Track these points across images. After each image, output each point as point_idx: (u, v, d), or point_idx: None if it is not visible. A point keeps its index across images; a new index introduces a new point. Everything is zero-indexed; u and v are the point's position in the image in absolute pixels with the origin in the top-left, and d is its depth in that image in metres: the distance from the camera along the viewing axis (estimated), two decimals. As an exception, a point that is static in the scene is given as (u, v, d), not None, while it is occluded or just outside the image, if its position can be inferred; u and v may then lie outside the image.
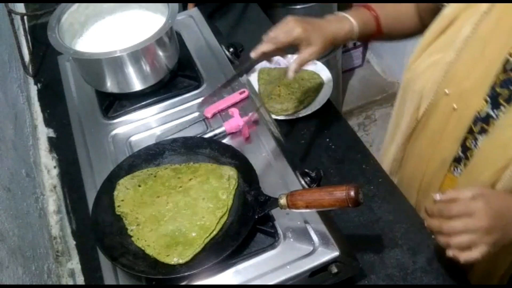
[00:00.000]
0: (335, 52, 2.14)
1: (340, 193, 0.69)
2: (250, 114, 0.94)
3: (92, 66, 0.99)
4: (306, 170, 0.87)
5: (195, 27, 1.19)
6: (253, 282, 0.74)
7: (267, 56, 0.94)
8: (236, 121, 0.93)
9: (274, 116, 1.13)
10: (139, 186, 0.84)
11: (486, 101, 0.80)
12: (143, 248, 0.76)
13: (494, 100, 0.79)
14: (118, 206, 0.82)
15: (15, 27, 1.33)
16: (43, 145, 1.21)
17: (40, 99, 1.32)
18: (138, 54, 0.96)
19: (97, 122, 1.02)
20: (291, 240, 0.78)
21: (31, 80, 1.35)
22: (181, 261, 0.74)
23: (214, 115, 0.99)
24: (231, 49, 1.11)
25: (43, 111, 1.28)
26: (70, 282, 0.99)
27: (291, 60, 1.14)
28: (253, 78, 1.23)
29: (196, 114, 1.00)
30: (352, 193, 0.68)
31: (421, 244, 0.91)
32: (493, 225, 0.73)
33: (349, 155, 1.09)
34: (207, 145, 0.90)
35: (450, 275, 0.87)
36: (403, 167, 1.01)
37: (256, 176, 0.83)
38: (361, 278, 0.88)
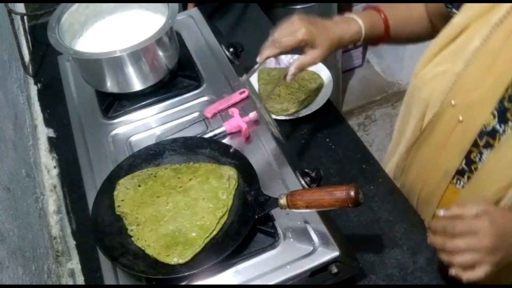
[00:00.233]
0: (335, 52, 2.14)
1: (340, 193, 0.69)
2: (251, 114, 0.93)
3: (92, 66, 0.99)
4: (306, 170, 0.87)
5: (195, 27, 1.19)
6: (253, 282, 0.74)
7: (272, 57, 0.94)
8: (236, 121, 0.93)
9: (274, 116, 1.13)
10: (139, 186, 0.84)
11: (494, 115, 0.78)
12: (143, 248, 0.76)
13: (502, 115, 0.77)
14: (118, 206, 0.82)
15: (15, 27, 1.33)
16: (43, 145, 1.21)
17: (40, 99, 1.31)
18: (138, 54, 0.96)
19: (97, 122, 1.02)
20: (291, 240, 0.78)
21: (31, 80, 1.35)
22: (181, 261, 0.74)
23: (214, 115, 0.98)
24: (231, 49, 1.11)
25: (43, 111, 1.28)
26: (70, 282, 0.99)
27: (291, 60, 1.14)
28: (253, 78, 1.23)
29: (196, 114, 1.00)
30: (352, 193, 0.68)
31: (421, 244, 0.91)
32: (497, 245, 0.73)
33: (349, 155, 1.09)
34: (207, 145, 0.90)
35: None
36: (406, 174, 1.01)
37: (256, 176, 0.83)
38: (361, 278, 0.88)
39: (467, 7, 0.80)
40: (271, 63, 1.25)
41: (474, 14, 0.79)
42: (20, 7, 1.49)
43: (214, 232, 0.77)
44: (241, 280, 0.75)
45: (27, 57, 1.37)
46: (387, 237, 0.94)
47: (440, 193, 0.91)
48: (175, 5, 1.01)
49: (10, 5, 1.33)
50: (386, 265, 0.90)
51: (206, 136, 0.94)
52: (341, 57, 2.27)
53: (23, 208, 0.94)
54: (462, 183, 0.88)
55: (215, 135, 0.94)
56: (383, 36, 0.96)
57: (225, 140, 0.94)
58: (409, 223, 0.95)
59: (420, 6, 0.97)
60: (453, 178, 0.88)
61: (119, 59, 0.96)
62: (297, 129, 1.15)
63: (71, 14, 1.04)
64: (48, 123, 1.25)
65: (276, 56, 0.91)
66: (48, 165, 1.17)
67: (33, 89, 1.34)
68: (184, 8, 1.32)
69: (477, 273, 0.73)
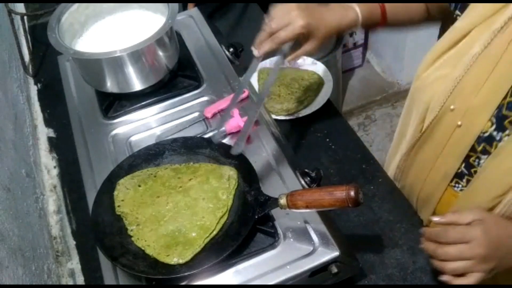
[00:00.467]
0: (335, 52, 2.14)
1: (340, 193, 0.69)
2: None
3: (92, 66, 0.99)
4: (306, 170, 0.87)
5: (195, 27, 1.19)
6: (253, 282, 0.74)
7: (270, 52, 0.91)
8: (236, 121, 0.93)
9: (274, 116, 1.13)
10: (139, 186, 0.84)
11: (492, 122, 0.78)
12: (143, 248, 0.76)
13: (500, 122, 0.77)
14: (118, 206, 0.82)
15: (15, 27, 1.33)
16: (43, 145, 1.21)
17: (40, 99, 1.31)
18: (138, 54, 0.96)
19: (97, 122, 1.02)
20: (291, 240, 0.78)
21: (31, 80, 1.35)
22: (181, 261, 0.74)
23: (214, 115, 0.99)
24: (231, 49, 1.11)
25: (43, 111, 1.28)
26: (70, 282, 0.99)
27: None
28: (253, 78, 1.23)
29: (196, 114, 1.00)
30: (352, 193, 0.68)
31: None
32: (490, 253, 0.73)
33: (349, 155, 1.09)
34: (207, 145, 0.90)
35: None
36: (406, 175, 1.01)
37: (256, 176, 0.83)
38: (361, 278, 0.88)
39: (470, 12, 0.80)
40: (271, 62, 1.25)
41: (476, 19, 0.79)
42: (20, 7, 1.49)
43: (214, 232, 0.77)
44: (241, 280, 0.75)
45: (27, 57, 1.37)
46: (387, 237, 0.94)
47: (439, 195, 0.91)
48: (175, 5, 1.01)
49: (10, 5, 1.33)
50: (386, 265, 0.90)
51: (206, 136, 0.94)
52: (341, 57, 2.27)
53: (23, 208, 0.94)
54: (460, 186, 0.88)
55: (215, 135, 0.94)
56: (380, 22, 0.94)
57: (225, 140, 0.94)
58: (409, 223, 0.95)
59: None
60: (451, 181, 0.89)
61: (119, 59, 0.96)
62: (297, 129, 1.15)
63: (71, 14, 1.04)
64: (48, 123, 1.25)
65: (273, 50, 0.88)
66: (48, 165, 1.17)
67: (33, 89, 1.34)
68: (184, 8, 1.32)
69: (468, 281, 0.74)
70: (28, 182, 1.03)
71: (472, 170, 0.84)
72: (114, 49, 0.95)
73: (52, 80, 1.31)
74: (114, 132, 1.00)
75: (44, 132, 1.23)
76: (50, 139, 1.22)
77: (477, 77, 0.78)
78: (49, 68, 1.35)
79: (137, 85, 1.01)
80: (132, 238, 0.78)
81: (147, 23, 1.06)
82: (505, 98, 0.76)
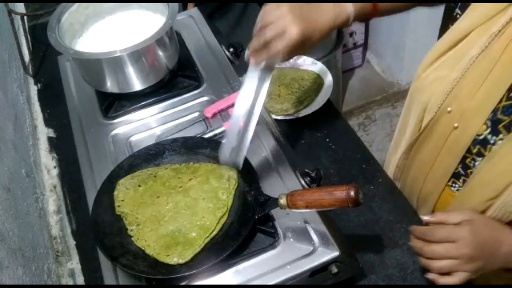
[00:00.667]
0: (335, 52, 2.14)
1: (340, 193, 0.69)
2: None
3: (92, 66, 0.99)
4: (306, 170, 0.87)
5: (195, 27, 1.19)
6: (253, 282, 0.74)
7: None
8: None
9: (274, 116, 1.13)
10: (139, 186, 0.84)
11: (487, 125, 0.79)
12: (143, 248, 0.76)
13: (494, 126, 0.78)
14: (118, 206, 0.82)
15: (15, 27, 1.33)
16: (43, 145, 1.21)
17: (40, 99, 1.31)
18: (138, 54, 0.96)
19: (97, 122, 1.02)
20: (291, 240, 0.78)
21: (31, 80, 1.35)
22: (181, 261, 0.74)
23: (214, 115, 0.99)
24: (231, 49, 1.11)
25: (43, 111, 1.28)
26: (70, 282, 0.99)
27: (291, 60, 1.13)
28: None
29: (196, 114, 1.00)
30: (352, 193, 0.68)
31: (421, 244, 0.91)
32: (476, 254, 0.74)
33: (349, 155, 1.09)
34: (207, 145, 0.90)
35: (450, 275, 0.87)
36: (405, 174, 1.01)
37: (256, 176, 0.83)
38: (361, 278, 0.88)
39: (470, 13, 0.80)
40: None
41: (475, 21, 0.79)
42: (20, 7, 1.49)
43: (214, 232, 0.77)
44: (241, 280, 0.75)
45: (27, 57, 1.37)
46: (387, 237, 0.94)
47: (437, 195, 0.92)
48: (175, 5, 1.01)
49: (10, 5, 1.33)
50: (386, 265, 0.90)
51: (206, 136, 0.94)
52: (341, 57, 2.28)
53: (23, 208, 0.94)
54: (457, 186, 0.88)
55: (215, 135, 0.94)
56: (371, 13, 0.88)
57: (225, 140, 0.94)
58: (409, 223, 0.95)
59: None
60: (449, 180, 0.89)
61: (119, 59, 0.96)
62: (297, 129, 1.14)
63: (71, 14, 1.04)
64: (48, 123, 1.25)
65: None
66: (48, 165, 1.17)
67: (33, 89, 1.34)
68: (184, 8, 1.32)
69: (453, 280, 0.75)
70: (28, 182, 1.03)
71: (468, 171, 0.85)
72: (114, 49, 0.95)
73: (52, 80, 1.31)
74: (114, 132, 1.00)
75: (44, 132, 1.23)
76: (50, 139, 1.22)
77: (474, 80, 0.78)
78: (49, 68, 1.35)
79: (137, 85, 1.01)
80: (132, 238, 0.78)
81: (147, 23, 1.06)
82: (500, 102, 0.76)
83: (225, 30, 1.40)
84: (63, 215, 1.07)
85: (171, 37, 1.03)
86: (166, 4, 1.02)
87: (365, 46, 2.62)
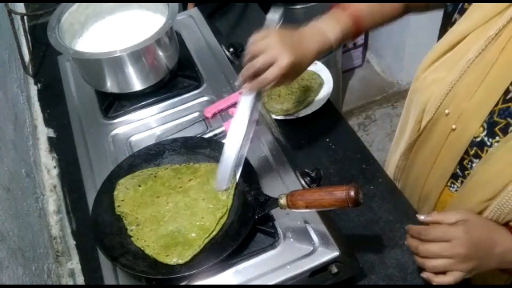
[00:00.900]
0: (335, 52, 2.14)
1: (340, 193, 0.69)
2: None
3: (92, 66, 0.99)
4: (306, 170, 0.87)
5: (195, 27, 1.19)
6: (253, 282, 0.74)
7: None
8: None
9: (274, 116, 1.13)
10: (139, 186, 0.84)
11: (483, 128, 0.79)
12: (142, 248, 0.76)
13: (491, 128, 0.78)
14: (118, 206, 0.82)
15: (15, 27, 1.33)
16: (43, 145, 1.21)
17: (40, 99, 1.31)
18: (138, 54, 0.96)
19: (97, 122, 1.02)
20: (291, 240, 0.78)
21: (31, 80, 1.35)
22: (180, 262, 0.74)
23: (214, 115, 0.99)
24: (231, 49, 1.11)
25: (43, 111, 1.28)
26: (70, 282, 0.99)
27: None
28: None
29: (196, 114, 1.00)
30: (352, 193, 0.68)
31: (421, 244, 0.91)
32: (470, 254, 0.75)
33: (349, 155, 1.09)
34: (207, 145, 0.90)
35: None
36: (406, 175, 1.01)
37: (256, 176, 0.83)
38: (361, 278, 0.88)
39: (468, 16, 0.80)
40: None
41: (473, 24, 0.79)
42: (20, 7, 1.49)
43: (214, 233, 0.77)
44: (241, 280, 0.75)
45: (27, 57, 1.37)
46: (387, 237, 0.94)
47: (437, 195, 0.92)
48: (175, 5, 1.01)
49: (10, 5, 1.33)
50: (386, 265, 0.90)
51: (206, 136, 0.94)
52: (341, 57, 2.27)
53: (23, 208, 0.94)
54: (455, 187, 0.89)
55: (215, 135, 0.94)
56: (354, 34, 0.89)
57: (225, 140, 0.94)
58: (409, 223, 0.95)
59: None
60: (448, 181, 0.89)
61: (119, 59, 0.96)
62: (297, 129, 1.15)
63: (71, 14, 1.04)
64: (48, 123, 1.25)
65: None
66: (48, 165, 1.17)
67: (33, 89, 1.34)
68: (184, 8, 1.32)
69: (448, 279, 0.76)
70: (28, 182, 1.03)
71: (466, 172, 0.85)
72: (114, 49, 0.95)
73: (52, 80, 1.31)
74: (114, 132, 1.00)
75: (44, 132, 1.23)
76: (50, 139, 1.22)
77: (471, 82, 0.79)
78: (49, 68, 1.35)
79: (137, 85, 1.01)
80: (132, 238, 0.78)
81: (147, 23, 1.06)
82: (496, 104, 0.77)
83: (225, 30, 1.40)
84: (63, 215, 1.07)
85: (171, 37, 1.03)
86: (166, 4, 1.02)
87: (365, 46, 2.62)
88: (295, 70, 0.79)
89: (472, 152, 0.82)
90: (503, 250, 0.77)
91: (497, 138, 0.78)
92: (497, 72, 0.75)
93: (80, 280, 0.98)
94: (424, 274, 0.78)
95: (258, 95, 0.81)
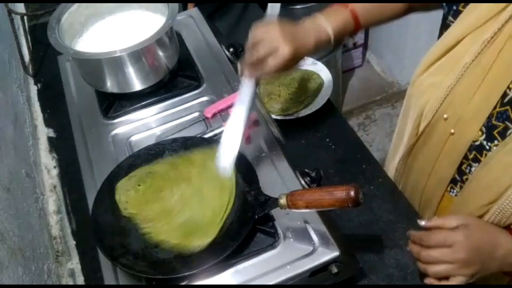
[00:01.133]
0: (335, 52, 2.14)
1: (340, 193, 0.69)
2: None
3: (92, 66, 0.99)
4: (306, 170, 0.87)
5: (195, 27, 1.19)
6: (253, 282, 0.74)
7: None
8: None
9: (274, 116, 1.13)
10: (139, 185, 0.84)
11: (482, 131, 0.79)
12: (164, 242, 0.77)
13: (489, 132, 0.78)
14: (125, 209, 0.82)
15: (15, 27, 1.33)
16: (43, 145, 1.20)
17: (40, 99, 1.31)
18: (138, 54, 0.96)
19: (97, 122, 1.02)
20: (291, 240, 0.78)
21: (31, 80, 1.35)
22: (205, 242, 0.75)
23: (214, 115, 0.99)
24: (231, 49, 1.11)
25: (43, 111, 1.28)
26: (70, 282, 0.99)
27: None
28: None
29: (196, 114, 1.01)
30: (352, 193, 0.68)
31: (421, 244, 0.91)
32: (471, 258, 0.75)
33: (349, 155, 1.09)
34: (207, 145, 0.90)
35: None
36: (406, 179, 1.01)
37: (256, 176, 0.83)
38: (361, 278, 0.88)
39: (463, 19, 0.80)
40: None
41: (468, 27, 0.79)
42: (20, 7, 1.49)
43: (228, 210, 0.78)
44: (241, 280, 0.75)
45: (27, 57, 1.37)
46: (387, 237, 0.94)
47: (437, 200, 0.92)
48: (175, 5, 1.01)
49: (10, 5, 1.33)
50: (386, 265, 0.90)
51: (206, 136, 0.94)
52: (341, 57, 2.27)
53: (23, 208, 0.94)
54: (455, 191, 0.89)
55: (215, 135, 0.94)
56: (354, 30, 0.91)
57: (225, 128, 0.93)
58: (409, 223, 0.95)
59: None
60: (447, 186, 0.89)
61: (119, 59, 0.96)
62: (297, 129, 1.14)
63: (71, 14, 1.04)
64: (48, 123, 1.25)
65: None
66: (48, 165, 1.17)
67: (33, 89, 1.34)
68: (184, 8, 1.32)
69: (450, 283, 0.75)
70: (28, 182, 1.03)
71: (464, 177, 0.85)
72: (114, 49, 0.95)
73: (52, 80, 1.31)
74: (114, 132, 1.00)
75: (44, 132, 1.23)
76: (50, 139, 1.22)
77: (468, 86, 0.78)
78: (49, 68, 1.35)
79: (137, 85, 1.01)
80: (149, 235, 0.78)
81: (147, 23, 1.06)
82: (495, 108, 0.76)
83: (225, 30, 1.40)
84: (63, 215, 1.07)
85: (171, 37, 1.03)
86: (166, 4, 1.02)
87: (365, 46, 2.62)
88: (295, 59, 0.82)
89: (471, 156, 0.82)
90: (505, 253, 0.76)
91: (496, 142, 0.78)
92: (494, 75, 0.75)
93: (80, 280, 0.98)
94: (427, 280, 0.78)
95: (257, 83, 0.84)
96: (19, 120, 1.12)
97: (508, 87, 0.74)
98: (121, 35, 1.06)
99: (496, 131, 0.77)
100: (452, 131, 0.82)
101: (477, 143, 0.80)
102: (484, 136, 0.79)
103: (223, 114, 0.98)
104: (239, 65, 0.84)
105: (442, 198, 0.92)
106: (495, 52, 0.75)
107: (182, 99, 1.04)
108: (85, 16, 1.07)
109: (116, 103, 1.04)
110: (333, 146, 1.11)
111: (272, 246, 0.77)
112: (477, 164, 0.81)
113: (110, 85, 1.01)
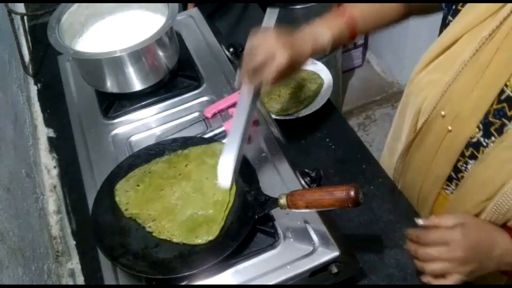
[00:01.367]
0: (335, 52, 2.14)
1: (340, 193, 0.69)
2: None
3: (92, 66, 1.00)
4: (306, 170, 0.87)
5: (195, 27, 1.19)
6: (253, 282, 0.74)
7: None
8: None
9: (274, 116, 1.13)
10: (138, 186, 0.85)
11: (479, 128, 0.79)
12: (169, 239, 0.77)
13: (486, 129, 0.78)
14: (126, 210, 0.82)
15: (15, 27, 1.33)
16: (43, 145, 1.21)
17: (40, 99, 1.31)
18: (138, 54, 0.96)
19: (97, 122, 1.02)
20: (291, 240, 0.78)
21: (31, 80, 1.35)
22: (211, 238, 0.75)
23: (214, 115, 0.99)
24: (231, 49, 1.11)
25: (43, 111, 1.28)
26: (70, 282, 0.99)
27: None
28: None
29: (196, 114, 1.01)
30: (352, 193, 0.68)
31: (421, 244, 0.91)
32: (468, 257, 0.75)
33: (349, 155, 1.09)
34: (206, 144, 0.90)
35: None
36: (403, 177, 1.01)
37: (256, 176, 0.83)
38: (361, 278, 0.88)
39: (461, 18, 0.81)
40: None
41: (466, 25, 0.79)
42: (20, 7, 1.49)
43: (231, 204, 0.79)
44: (241, 280, 0.75)
45: (27, 57, 1.37)
46: (387, 237, 0.94)
47: (433, 198, 0.92)
48: (175, 5, 1.01)
49: (10, 5, 1.33)
50: (386, 265, 0.90)
51: (206, 136, 0.94)
52: (341, 57, 2.27)
53: (23, 208, 0.94)
54: (451, 189, 0.89)
55: (215, 135, 0.94)
56: (350, 39, 0.91)
57: (225, 140, 0.94)
58: (409, 223, 0.95)
59: None
60: (443, 184, 0.89)
61: (119, 59, 0.96)
62: (297, 129, 1.14)
63: (71, 14, 1.04)
64: (48, 123, 1.25)
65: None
66: (48, 165, 1.17)
67: (33, 89, 1.34)
68: (184, 8, 1.32)
69: (447, 282, 0.75)
70: (28, 182, 1.03)
71: (459, 175, 0.85)
72: (114, 49, 0.95)
73: (52, 80, 1.31)
74: (114, 132, 1.00)
75: (44, 132, 1.23)
76: (50, 139, 1.22)
77: (466, 83, 0.79)
78: (49, 68, 1.35)
79: (137, 85, 1.02)
80: (154, 234, 0.78)
81: (147, 23, 1.06)
82: (492, 105, 0.77)
83: (225, 30, 1.40)
84: (63, 215, 1.07)
85: (171, 37, 1.03)
86: (166, 4, 1.02)
87: (365, 46, 2.62)
88: (292, 67, 0.81)
89: (468, 153, 0.82)
90: (502, 252, 0.77)
91: (493, 138, 0.78)
92: (492, 72, 0.76)
93: (80, 280, 0.98)
94: (424, 278, 0.78)
95: (257, 94, 0.83)
96: (19, 120, 1.12)
97: (505, 84, 0.74)
98: (121, 35, 1.06)
99: (493, 127, 0.77)
100: (450, 128, 0.82)
101: (474, 139, 0.80)
102: (481, 133, 0.79)
103: (223, 114, 0.99)
104: (237, 76, 0.84)
105: (438, 196, 0.92)
106: (493, 50, 0.75)
107: (182, 99, 1.04)
108: (85, 16, 1.07)
109: (116, 103, 1.04)
110: (333, 146, 1.11)
111: (272, 246, 0.78)
112: (473, 161, 0.82)
113: (110, 85, 1.01)
